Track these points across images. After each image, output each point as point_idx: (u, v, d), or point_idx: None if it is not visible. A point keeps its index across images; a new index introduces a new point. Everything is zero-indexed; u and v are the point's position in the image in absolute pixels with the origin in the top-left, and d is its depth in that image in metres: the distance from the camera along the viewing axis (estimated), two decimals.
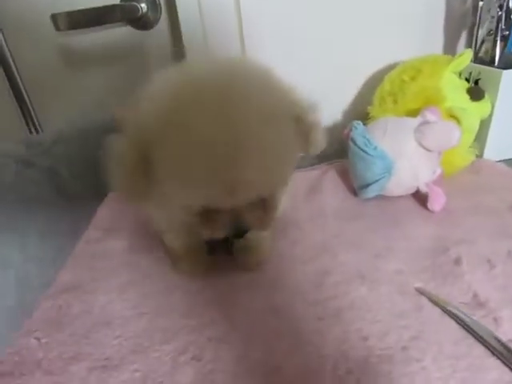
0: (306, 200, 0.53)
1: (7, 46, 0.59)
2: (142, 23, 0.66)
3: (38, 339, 0.35)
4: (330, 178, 0.58)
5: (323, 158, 0.66)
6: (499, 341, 0.29)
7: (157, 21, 0.67)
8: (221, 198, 0.29)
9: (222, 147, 0.27)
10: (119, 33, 0.66)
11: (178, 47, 0.66)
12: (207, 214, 0.32)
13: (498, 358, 0.29)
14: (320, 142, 0.35)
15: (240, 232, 0.33)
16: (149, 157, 0.29)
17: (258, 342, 0.32)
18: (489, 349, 0.29)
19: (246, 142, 0.27)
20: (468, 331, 0.31)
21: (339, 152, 0.64)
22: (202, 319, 0.35)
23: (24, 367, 0.32)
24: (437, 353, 0.30)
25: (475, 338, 0.30)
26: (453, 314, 0.33)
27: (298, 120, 0.31)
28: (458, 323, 0.32)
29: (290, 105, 0.31)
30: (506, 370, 0.28)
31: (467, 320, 0.32)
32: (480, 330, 0.31)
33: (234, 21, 0.61)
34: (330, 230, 0.46)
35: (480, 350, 0.30)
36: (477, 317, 0.32)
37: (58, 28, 0.64)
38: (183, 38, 0.62)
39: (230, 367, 0.30)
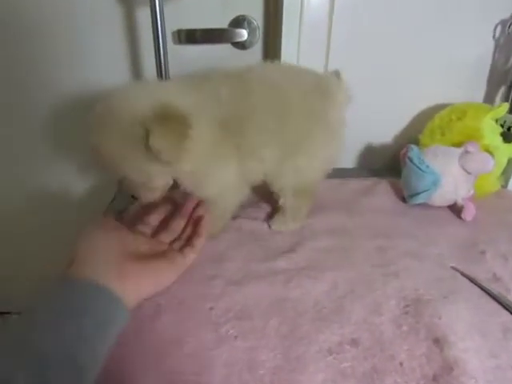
0: (363, 198, 0.68)
1: None
2: (241, 44, 0.83)
3: None
4: (382, 187, 0.72)
5: (375, 173, 0.82)
6: (507, 299, 0.44)
7: (253, 44, 0.84)
8: None
9: None
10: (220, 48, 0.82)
11: None
12: None
13: (507, 310, 0.43)
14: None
15: None
16: None
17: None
18: (502, 304, 0.44)
19: None
20: (487, 293, 0.46)
21: (388, 168, 0.80)
22: None
23: None
24: (465, 300, 0.44)
25: (492, 297, 0.45)
26: (477, 283, 0.47)
27: None
28: (481, 288, 0.46)
29: None
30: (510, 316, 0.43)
31: (487, 287, 0.46)
32: (496, 294, 0.45)
33: (323, 51, 0.77)
34: (385, 221, 0.61)
35: (494, 305, 0.44)
36: (494, 286, 0.47)
37: (179, 41, 0.81)
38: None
39: None
